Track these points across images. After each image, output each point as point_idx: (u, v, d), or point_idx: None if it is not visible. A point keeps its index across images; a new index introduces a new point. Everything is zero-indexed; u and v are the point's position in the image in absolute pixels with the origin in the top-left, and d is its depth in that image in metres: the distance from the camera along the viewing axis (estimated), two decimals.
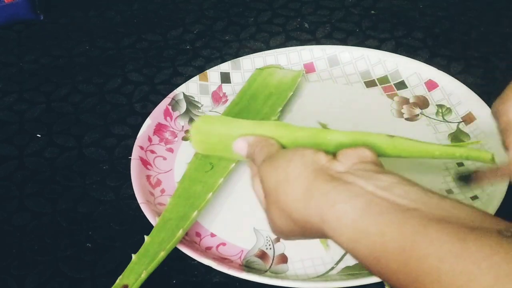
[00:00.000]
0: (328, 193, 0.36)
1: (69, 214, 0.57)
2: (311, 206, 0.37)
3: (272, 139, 0.46)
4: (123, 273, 0.47)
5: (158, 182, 0.58)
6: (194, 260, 0.49)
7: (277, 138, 0.46)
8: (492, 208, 0.50)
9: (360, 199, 0.35)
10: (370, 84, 0.67)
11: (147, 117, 0.63)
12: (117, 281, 0.47)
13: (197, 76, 0.69)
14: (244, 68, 0.70)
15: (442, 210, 0.32)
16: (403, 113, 0.63)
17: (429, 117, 0.62)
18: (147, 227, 0.51)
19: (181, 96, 0.66)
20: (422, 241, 0.31)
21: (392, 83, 0.67)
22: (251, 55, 0.71)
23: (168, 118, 0.64)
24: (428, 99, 0.64)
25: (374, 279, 0.46)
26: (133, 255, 0.48)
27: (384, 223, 0.33)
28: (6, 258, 0.53)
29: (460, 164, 0.57)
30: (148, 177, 0.58)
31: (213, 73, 0.69)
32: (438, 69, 0.66)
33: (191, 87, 0.67)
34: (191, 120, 0.65)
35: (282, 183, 0.39)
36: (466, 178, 0.48)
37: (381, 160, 0.41)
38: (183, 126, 0.64)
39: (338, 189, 0.36)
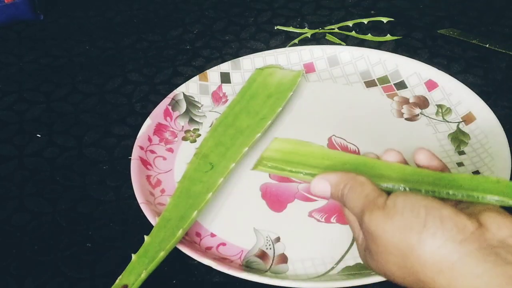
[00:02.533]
0: (482, 276, 0.31)
1: (69, 214, 0.57)
2: (454, 283, 0.32)
3: (360, 176, 0.40)
4: (123, 273, 0.47)
5: (158, 182, 0.58)
6: (194, 260, 0.49)
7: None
8: None
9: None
10: (370, 84, 0.67)
11: (147, 117, 0.63)
12: (117, 281, 0.47)
13: (197, 76, 0.69)
14: (244, 68, 0.70)
15: None
16: (403, 113, 0.63)
17: (429, 117, 0.62)
18: (147, 227, 0.51)
19: (181, 96, 0.66)
20: None
21: (392, 83, 0.67)
22: (251, 55, 0.71)
23: (168, 118, 0.64)
24: (428, 99, 0.64)
25: (374, 279, 0.46)
26: (133, 255, 0.48)
27: None
28: (6, 258, 0.53)
29: (460, 164, 0.57)
30: (148, 177, 0.58)
31: (213, 73, 0.69)
32: (438, 69, 0.66)
33: (191, 87, 0.67)
34: (191, 120, 0.65)
35: (415, 249, 0.34)
36: None
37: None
38: (183, 126, 0.64)
39: (494, 271, 0.31)
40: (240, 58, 0.70)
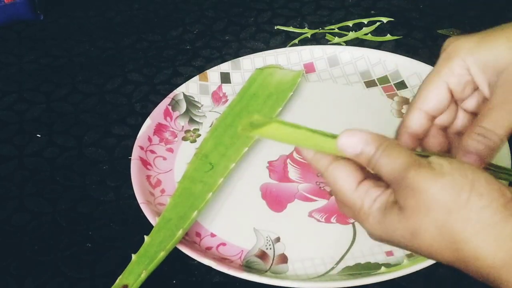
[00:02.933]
0: None
1: (69, 214, 0.57)
2: (492, 244, 0.34)
3: (393, 140, 0.39)
4: (123, 273, 0.47)
5: (158, 182, 0.58)
6: (194, 260, 0.49)
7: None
8: None
9: None
10: (370, 84, 0.67)
11: (147, 117, 0.63)
12: (117, 281, 0.47)
13: (197, 76, 0.69)
14: (244, 68, 0.70)
15: None
16: (403, 113, 0.63)
17: None
18: (147, 227, 0.51)
19: (181, 96, 0.66)
20: None
21: (392, 83, 0.67)
22: (251, 55, 0.71)
23: (168, 118, 0.64)
24: None
25: (374, 279, 0.46)
26: (133, 255, 0.48)
27: None
28: (6, 258, 0.53)
29: None
30: (148, 177, 0.58)
31: (213, 73, 0.69)
32: None
33: (191, 87, 0.67)
34: (191, 120, 0.65)
35: (462, 206, 0.34)
36: None
37: None
38: (183, 126, 0.64)
39: None
40: (240, 58, 0.70)
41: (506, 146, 0.55)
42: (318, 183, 0.56)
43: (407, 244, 0.37)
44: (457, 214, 0.34)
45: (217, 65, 0.70)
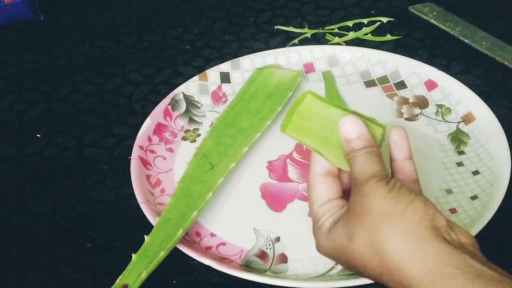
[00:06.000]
0: (442, 256, 0.36)
1: (69, 214, 0.57)
2: (416, 256, 0.36)
3: (380, 151, 0.43)
4: (123, 273, 0.47)
5: (158, 182, 0.58)
6: (194, 260, 0.49)
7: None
8: (492, 208, 0.50)
9: (474, 269, 0.35)
10: (369, 84, 0.67)
11: (147, 117, 0.63)
12: (117, 281, 0.47)
13: (197, 76, 0.69)
14: (244, 68, 0.70)
15: None
16: (403, 113, 0.63)
17: (429, 117, 0.62)
18: (147, 227, 0.51)
19: (181, 96, 0.66)
20: None
21: (391, 83, 0.67)
22: (251, 55, 0.71)
23: (168, 118, 0.64)
24: (428, 99, 0.64)
25: None
26: (133, 255, 0.48)
27: None
28: (6, 258, 0.53)
29: (460, 164, 0.57)
30: (148, 177, 0.58)
31: (213, 73, 0.69)
32: (438, 69, 0.66)
33: (191, 87, 0.67)
34: (191, 120, 0.65)
35: (394, 217, 0.38)
36: None
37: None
38: (182, 126, 0.64)
39: (453, 254, 0.36)
40: (240, 58, 0.70)
41: (506, 146, 0.56)
42: None
43: (345, 251, 0.40)
44: (389, 223, 0.37)
45: (217, 65, 0.70)
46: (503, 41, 0.73)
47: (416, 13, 0.69)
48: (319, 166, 0.44)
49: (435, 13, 0.68)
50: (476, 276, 0.35)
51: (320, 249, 0.43)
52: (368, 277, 0.40)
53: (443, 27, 0.67)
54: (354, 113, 0.44)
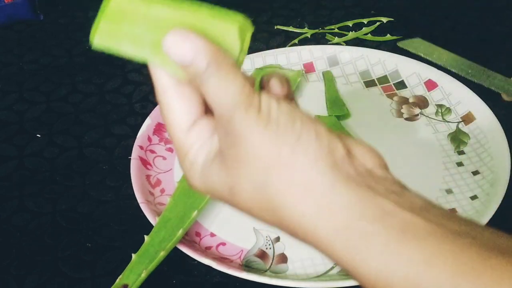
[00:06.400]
0: (352, 206, 0.28)
1: (69, 214, 0.57)
2: (322, 212, 0.28)
3: (229, 56, 0.31)
4: (123, 272, 0.47)
5: (158, 182, 0.58)
6: (194, 260, 0.49)
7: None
8: (492, 208, 0.50)
9: (398, 219, 0.27)
10: (369, 84, 0.67)
11: (147, 117, 0.63)
12: (117, 280, 0.47)
13: None
14: (244, 68, 0.70)
15: (489, 240, 0.26)
16: (403, 113, 0.63)
17: (429, 117, 0.62)
18: (147, 227, 0.51)
19: None
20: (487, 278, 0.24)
21: (391, 83, 0.67)
22: (251, 55, 0.71)
23: None
24: (428, 99, 0.64)
25: None
26: (133, 255, 0.48)
27: (433, 252, 0.26)
28: (6, 258, 0.53)
29: (460, 164, 0.57)
30: (148, 177, 0.58)
31: None
32: (438, 69, 0.66)
33: None
34: None
35: (281, 166, 0.29)
36: None
37: None
38: None
39: (367, 202, 0.28)
40: None
41: (506, 146, 0.56)
42: None
43: (227, 201, 0.32)
44: (276, 174, 0.29)
45: None
46: (503, 41, 0.73)
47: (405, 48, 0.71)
48: (166, 76, 0.32)
49: (422, 47, 0.71)
50: (401, 230, 0.27)
51: (194, 186, 0.34)
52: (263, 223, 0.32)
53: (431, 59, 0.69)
54: (189, 10, 0.31)
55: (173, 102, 0.32)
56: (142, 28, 0.32)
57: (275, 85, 0.33)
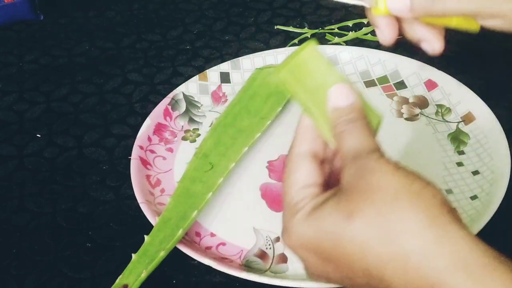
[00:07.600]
0: (473, 244, 0.32)
1: (69, 214, 0.57)
2: (442, 244, 0.32)
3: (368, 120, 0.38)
4: (123, 272, 0.47)
5: (158, 182, 0.58)
6: (194, 260, 0.49)
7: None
8: (492, 208, 0.50)
9: None
10: (369, 84, 0.67)
11: (147, 117, 0.63)
12: (117, 280, 0.47)
13: (197, 76, 0.69)
14: (244, 68, 0.70)
15: None
16: (403, 113, 0.63)
17: (429, 117, 0.62)
18: (147, 227, 0.51)
19: (181, 96, 0.66)
20: None
21: (391, 83, 0.67)
22: (251, 55, 0.71)
23: (167, 118, 0.64)
24: (428, 99, 0.64)
25: None
26: (133, 255, 0.48)
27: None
28: (6, 258, 0.53)
29: (460, 164, 0.57)
30: (147, 177, 0.58)
31: (213, 73, 0.69)
32: (438, 69, 0.66)
33: (190, 87, 0.67)
34: (190, 120, 0.65)
35: (411, 195, 0.33)
36: None
37: None
38: (182, 126, 0.64)
39: (481, 245, 0.32)
40: (240, 58, 0.70)
41: (506, 146, 0.56)
42: None
43: (337, 232, 0.34)
44: (407, 201, 0.33)
45: (216, 65, 0.70)
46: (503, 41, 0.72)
47: None
48: (305, 145, 0.39)
49: None
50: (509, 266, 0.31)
51: (291, 237, 0.37)
52: (351, 275, 0.35)
53: None
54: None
55: (303, 164, 0.38)
56: (314, 82, 0.39)
57: None
